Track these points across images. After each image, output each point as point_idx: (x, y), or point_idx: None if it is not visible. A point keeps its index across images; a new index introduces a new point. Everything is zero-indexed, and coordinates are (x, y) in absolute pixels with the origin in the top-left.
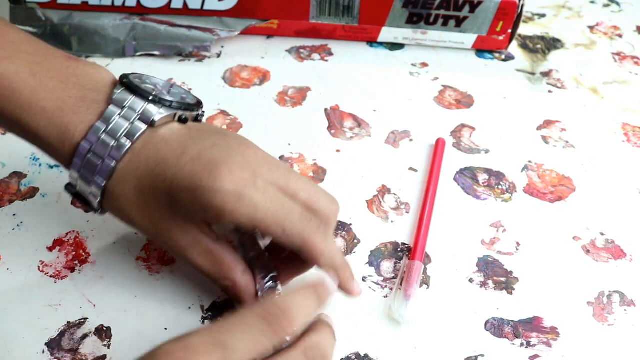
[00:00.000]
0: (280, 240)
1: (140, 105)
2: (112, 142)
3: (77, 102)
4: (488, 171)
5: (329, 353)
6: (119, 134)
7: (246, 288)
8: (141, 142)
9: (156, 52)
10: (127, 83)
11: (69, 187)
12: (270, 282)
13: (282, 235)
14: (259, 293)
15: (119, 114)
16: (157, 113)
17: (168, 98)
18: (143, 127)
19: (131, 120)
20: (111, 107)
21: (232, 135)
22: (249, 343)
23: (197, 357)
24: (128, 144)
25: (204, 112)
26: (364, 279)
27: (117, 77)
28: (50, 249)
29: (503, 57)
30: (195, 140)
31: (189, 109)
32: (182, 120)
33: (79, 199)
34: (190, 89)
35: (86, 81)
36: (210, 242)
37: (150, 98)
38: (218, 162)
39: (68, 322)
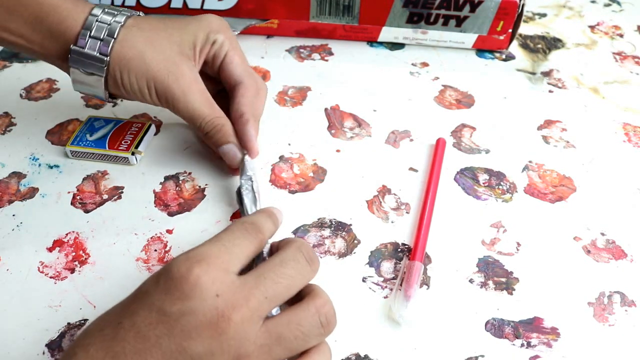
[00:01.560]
0: (230, 67)
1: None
2: (114, 13)
3: None
4: (488, 171)
5: (334, 311)
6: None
7: (230, 129)
8: (132, 19)
9: None
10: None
11: (75, 52)
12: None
13: (238, 65)
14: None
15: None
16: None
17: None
18: (135, 12)
19: (118, 12)
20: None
21: None
22: (243, 248)
23: (212, 259)
24: (127, 14)
25: None
26: (364, 280)
27: None
28: (50, 249)
29: (503, 56)
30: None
31: None
32: None
33: (85, 57)
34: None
35: None
36: (203, 85)
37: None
38: (210, 13)
39: (68, 324)
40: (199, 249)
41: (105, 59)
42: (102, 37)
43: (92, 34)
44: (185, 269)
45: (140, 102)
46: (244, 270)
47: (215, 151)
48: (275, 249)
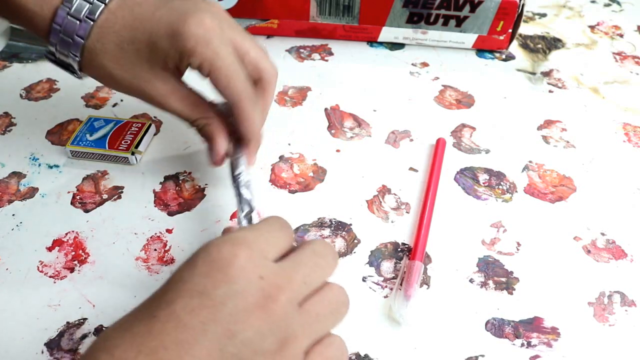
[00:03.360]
0: (221, 92)
1: None
2: (87, 5)
3: None
4: (488, 171)
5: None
6: None
7: (219, 125)
8: (114, 3)
9: None
10: None
11: (49, 55)
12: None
13: (226, 87)
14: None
15: None
16: None
17: None
18: None
19: None
20: None
21: None
22: (280, 240)
23: (252, 244)
24: (102, 5)
25: None
26: (364, 279)
27: None
28: (50, 249)
29: (503, 56)
30: (165, 0)
31: None
32: None
33: (60, 65)
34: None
35: None
36: (185, 89)
37: None
38: (192, 12)
39: (67, 323)
40: (236, 233)
41: (77, 74)
42: (68, 53)
43: (57, 55)
44: (227, 252)
45: None
46: None
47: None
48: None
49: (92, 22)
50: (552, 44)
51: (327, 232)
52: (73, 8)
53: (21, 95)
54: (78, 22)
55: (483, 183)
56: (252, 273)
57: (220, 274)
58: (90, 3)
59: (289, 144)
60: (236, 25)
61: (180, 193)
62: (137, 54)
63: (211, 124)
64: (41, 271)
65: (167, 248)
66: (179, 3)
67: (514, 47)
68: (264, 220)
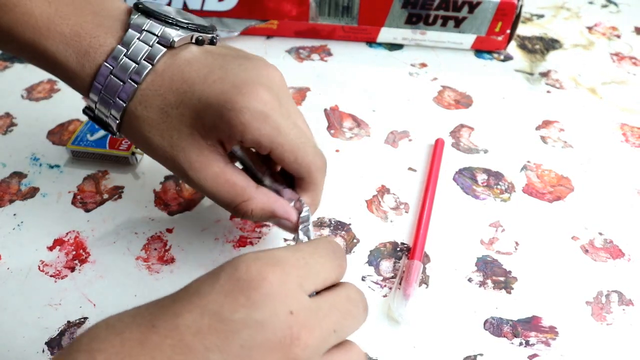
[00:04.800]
0: (288, 167)
1: (158, 28)
2: (133, 65)
3: (94, 27)
4: (487, 171)
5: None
6: (140, 57)
7: (265, 203)
8: (162, 64)
9: None
10: (143, 8)
11: (87, 111)
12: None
13: (294, 163)
14: (292, 203)
15: (138, 38)
16: (176, 35)
17: (184, 21)
18: (163, 49)
19: (150, 44)
20: (130, 31)
21: (255, 57)
22: (322, 271)
23: (288, 267)
24: (149, 66)
25: (218, 35)
26: (363, 279)
27: (131, 6)
28: (51, 248)
29: (502, 57)
30: (220, 62)
31: (204, 31)
32: (199, 42)
33: (97, 123)
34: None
35: (101, 8)
36: (222, 164)
37: (168, 21)
38: (247, 81)
39: (68, 322)
40: (272, 251)
41: (114, 134)
42: (108, 114)
43: (96, 111)
44: (256, 271)
45: None
46: None
47: None
48: None
49: (135, 85)
50: (550, 44)
51: (326, 231)
52: (117, 67)
53: (22, 96)
54: (122, 83)
55: (481, 183)
56: (281, 304)
57: (242, 296)
58: (137, 63)
59: None
60: (290, 98)
61: (180, 193)
62: (180, 119)
63: (254, 206)
64: (42, 270)
65: (167, 248)
66: (236, 67)
67: (512, 48)
68: (313, 242)
